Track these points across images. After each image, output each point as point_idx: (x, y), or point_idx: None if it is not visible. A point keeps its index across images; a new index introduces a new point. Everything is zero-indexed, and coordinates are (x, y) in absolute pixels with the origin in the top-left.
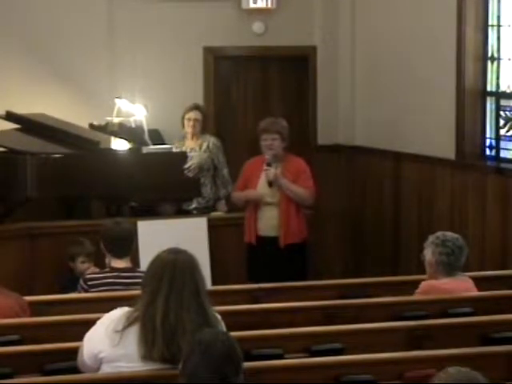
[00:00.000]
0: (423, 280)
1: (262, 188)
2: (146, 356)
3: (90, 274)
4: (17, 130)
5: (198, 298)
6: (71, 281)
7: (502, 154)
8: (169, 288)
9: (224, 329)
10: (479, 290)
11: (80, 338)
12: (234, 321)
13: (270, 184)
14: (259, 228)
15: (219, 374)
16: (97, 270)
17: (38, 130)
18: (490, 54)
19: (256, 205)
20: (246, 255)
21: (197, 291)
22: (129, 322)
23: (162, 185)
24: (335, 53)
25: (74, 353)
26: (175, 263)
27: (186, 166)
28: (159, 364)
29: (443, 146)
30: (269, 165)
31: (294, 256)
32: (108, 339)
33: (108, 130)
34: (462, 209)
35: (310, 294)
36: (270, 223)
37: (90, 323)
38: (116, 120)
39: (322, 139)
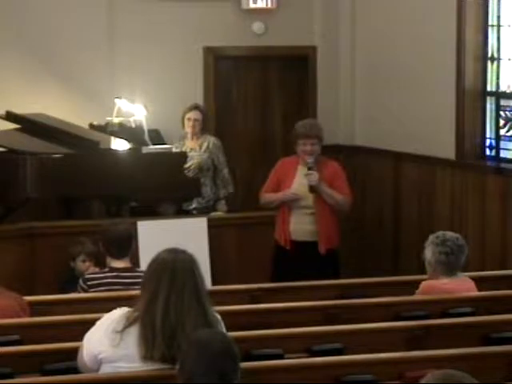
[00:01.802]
0: (423, 280)
1: (296, 190)
2: (147, 356)
3: (89, 273)
4: (17, 130)
5: (198, 298)
6: (71, 281)
7: (502, 154)
8: (169, 288)
9: (224, 329)
10: (479, 290)
11: (80, 338)
12: (234, 321)
13: (312, 189)
14: (292, 232)
15: (217, 372)
16: (97, 269)
17: (37, 130)
18: (490, 54)
19: (289, 207)
20: (274, 257)
21: (197, 291)
22: (129, 323)
23: (161, 185)
24: (335, 53)
25: (74, 353)
26: (175, 263)
27: (186, 165)
28: (159, 364)
29: (443, 146)
30: (310, 169)
31: (330, 261)
32: (108, 340)
33: (108, 130)
34: (462, 209)
35: (310, 294)
36: (305, 228)
37: (90, 323)
38: (116, 120)
39: None
